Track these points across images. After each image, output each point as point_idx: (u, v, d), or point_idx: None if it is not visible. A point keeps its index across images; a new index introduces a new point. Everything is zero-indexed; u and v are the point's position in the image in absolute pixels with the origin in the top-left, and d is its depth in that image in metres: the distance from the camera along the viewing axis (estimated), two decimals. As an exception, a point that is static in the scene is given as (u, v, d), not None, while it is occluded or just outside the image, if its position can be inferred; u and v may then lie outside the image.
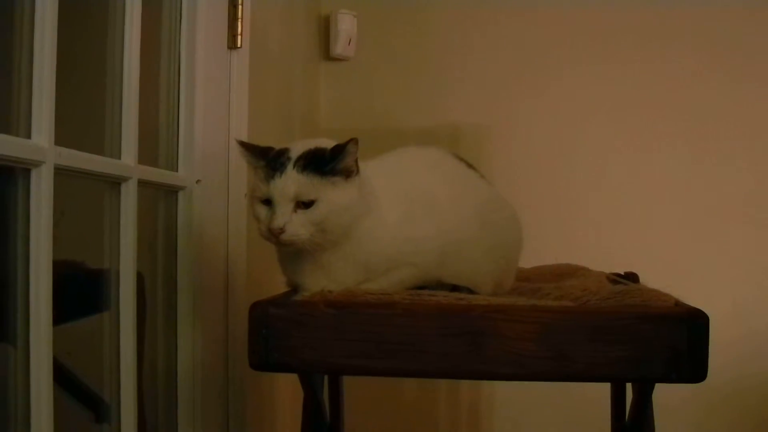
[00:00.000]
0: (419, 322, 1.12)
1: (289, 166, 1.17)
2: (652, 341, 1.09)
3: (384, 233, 1.25)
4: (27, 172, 1.15)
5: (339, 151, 1.18)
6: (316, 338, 1.14)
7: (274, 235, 1.18)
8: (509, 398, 2.62)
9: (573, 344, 1.10)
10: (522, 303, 1.17)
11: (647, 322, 1.09)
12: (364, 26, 2.68)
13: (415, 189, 1.33)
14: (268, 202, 1.20)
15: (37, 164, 1.15)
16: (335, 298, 1.18)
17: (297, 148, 1.21)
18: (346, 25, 2.65)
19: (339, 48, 2.66)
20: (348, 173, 1.20)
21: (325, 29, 2.70)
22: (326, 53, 2.71)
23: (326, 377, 1.66)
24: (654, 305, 1.16)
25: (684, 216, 2.54)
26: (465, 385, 2.69)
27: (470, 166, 1.47)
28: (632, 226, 2.55)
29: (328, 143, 1.22)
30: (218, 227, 1.79)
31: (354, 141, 1.18)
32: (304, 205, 1.18)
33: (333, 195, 1.18)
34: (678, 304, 1.18)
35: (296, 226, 1.18)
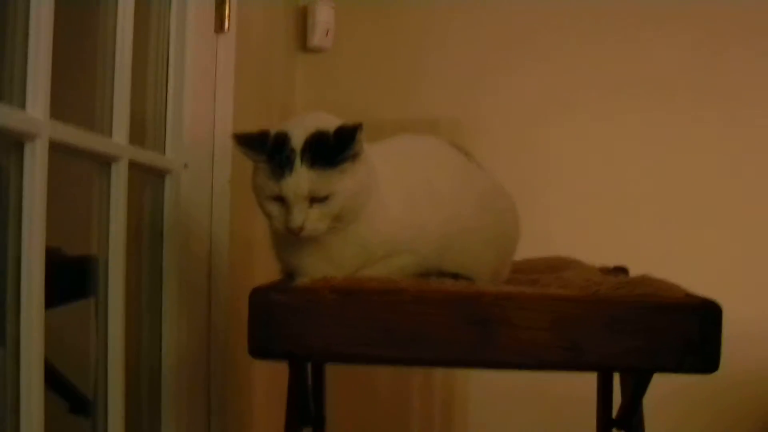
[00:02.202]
0: (428, 309, 1.09)
1: (297, 162, 1.12)
2: (665, 331, 1.07)
3: (385, 218, 1.22)
4: (20, 146, 1.10)
5: (346, 139, 1.14)
6: (320, 325, 1.11)
7: (293, 234, 1.15)
8: (483, 392, 2.60)
9: (586, 334, 1.07)
10: (535, 291, 1.14)
11: (661, 312, 1.07)
12: (342, 17, 2.64)
13: (416, 176, 1.30)
14: (278, 198, 1.15)
15: (32, 137, 1.10)
16: (340, 284, 1.14)
17: (297, 133, 1.15)
18: (323, 15, 2.60)
19: (316, 39, 2.61)
20: (355, 156, 1.16)
21: (302, 20, 2.66)
22: (303, 44, 2.66)
23: (310, 367, 1.63)
24: (666, 295, 1.13)
25: (666, 209, 2.52)
26: (438, 378, 2.66)
27: (468, 154, 1.45)
28: (614, 219, 2.53)
29: (327, 122, 1.18)
30: (203, 214, 1.76)
31: (360, 127, 1.14)
32: (319, 198, 1.14)
33: (345, 184, 1.15)
34: (689, 294, 1.15)
35: (314, 221, 1.14)
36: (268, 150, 1.15)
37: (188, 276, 1.72)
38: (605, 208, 2.54)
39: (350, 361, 1.14)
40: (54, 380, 1.49)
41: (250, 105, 1.99)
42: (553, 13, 2.58)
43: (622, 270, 1.68)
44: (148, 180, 1.66)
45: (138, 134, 1.57)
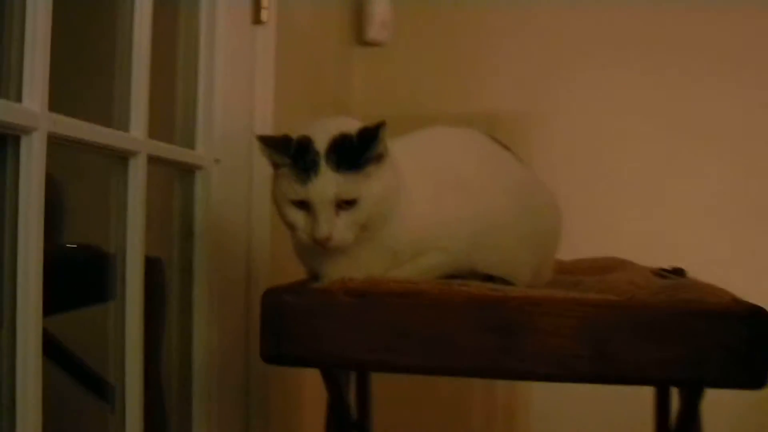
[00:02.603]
0: (448, 314, 1.02)
1: (322, 165, 1.08)
2: (706, 341, 0.97)
3: (412, 215, 1.16)
4: (16, 140, 1.06)
5: (369, 138, 1.09)
6: (335, 330, 1.05)
7: (319, 245, 1.10)
8: (546, 398, 2.53)
9: (618, 342, 0.98)
10: (563, 295, 1.05)
11: (702, 320, 0.97)
12: (400, 10, 2.58)
13: (446, 169, 1.24)
14: (301, 203, 1.11)
15: (28, 131, 1.06)
16: (356, 286, 1.08)
17: (320, 137, 1.11)
18: (379, 7, 2.54)
19: (373, 32, 2.55)
20: (379, 158, 1.11)
21: (358, 12, 2.60)
22: (360, 37, 2.61)
23: (354, 373, 1.57)
24: (709, 301, 1.03)
25: (728, 211, 2.43)
26: (500, 383, 2.59)
27: (506, 147, 1.38)
28: (676, 220, 2.45)
29: (350, 125, 1.13)
30: (239, 211, 1.70)
31: (383, 125, 1.09)
32: (345, 203, 1.09)
33: (372, 188, 1.10)
34: (736, 300, 1.05)
35: (342, 230, 1.09)
36: (291, 154, 1.10)
37: (222, 275, 1.67)
38: (673, 207, 2.46)
39: (365, 368, 1.09)
40: (94, 383, 1.46)
41: (295, 100, 1.94)
42: (626, 8, 2.48)
43: (678, 272, 1.57)
44: (176, 176, 1.61)
45: (166, 129, 1.53)
